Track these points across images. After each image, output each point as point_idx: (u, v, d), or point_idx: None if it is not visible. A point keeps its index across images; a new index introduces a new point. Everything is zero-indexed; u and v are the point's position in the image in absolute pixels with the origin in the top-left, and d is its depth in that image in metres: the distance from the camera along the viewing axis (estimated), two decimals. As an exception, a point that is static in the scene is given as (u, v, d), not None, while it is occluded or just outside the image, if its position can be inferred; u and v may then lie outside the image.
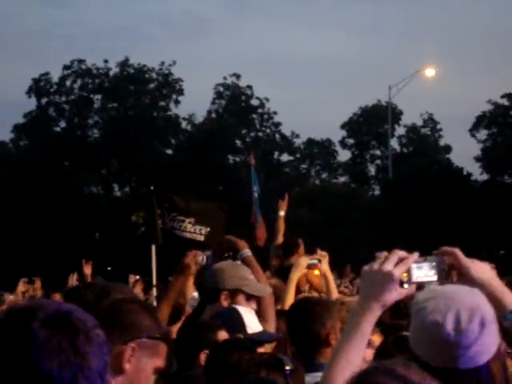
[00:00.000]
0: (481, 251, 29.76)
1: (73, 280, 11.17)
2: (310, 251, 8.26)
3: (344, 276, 16.15)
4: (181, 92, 50.08)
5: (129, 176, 49.02)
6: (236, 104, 50.30)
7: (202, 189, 39.54)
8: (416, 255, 2.50)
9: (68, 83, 49.83)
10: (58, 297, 10.30)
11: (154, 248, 9.84)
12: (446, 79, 67.91)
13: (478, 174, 47.15)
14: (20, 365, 1.66)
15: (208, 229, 9.52)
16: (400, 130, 52.49)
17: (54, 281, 14.10)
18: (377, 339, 4.28)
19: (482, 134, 47.70)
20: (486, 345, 2.30)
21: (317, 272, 7.15)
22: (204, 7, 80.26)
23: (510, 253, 38.00)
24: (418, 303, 2.39)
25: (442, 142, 52.18)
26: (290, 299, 6.52)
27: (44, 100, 49.66)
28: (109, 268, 32.82)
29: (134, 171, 47.82)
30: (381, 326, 4.31)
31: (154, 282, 9.46)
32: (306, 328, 4.29)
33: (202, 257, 5.83)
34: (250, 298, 4.86)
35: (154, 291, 10.10)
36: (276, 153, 51.22)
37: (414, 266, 2.48)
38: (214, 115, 50.77)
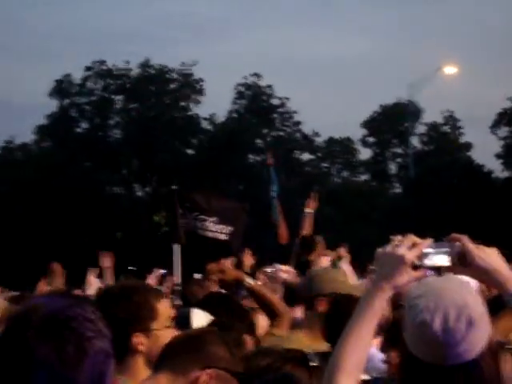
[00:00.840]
0: (503, 248, 29.64)
1: (90, 277, 11.08)
2: (332, 249, 8.29)
3: (365, 275, 16.12)
4: (201, 92, 50.19)
5: (150, 176, 49.17)
6: (257, 103, 50.35)
7: (222, 188, 39.61)
8: (430, 240, 2.56)
9: (89, 84, 50.10)
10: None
11: (176, 247, 9.85)
12: (467, 77, 67.54)
13: (499, 171, 47.03)
14: (10, 375, 1.67)
15: (230, 228, 9.56)
16: (421, 128, 52.45)
17: (75, 281, 14.19)
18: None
19: (503, 131, 47.57)
20: (474, 342, 2.37)
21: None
22: (225, 7, 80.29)
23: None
24: (409, 299, 2.47)
25: (462, 140, 51.99)
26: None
27: (66, 101, 49.93)
28: (130, 268, 32.92)
29: (154, 171, 47.97)
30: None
31: (179, 281, 9.49)
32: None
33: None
34: None
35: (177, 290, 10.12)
36: (297, 152, 51.23)
37: (427, 250, 2.54)
38: (234, 115, 50.85)
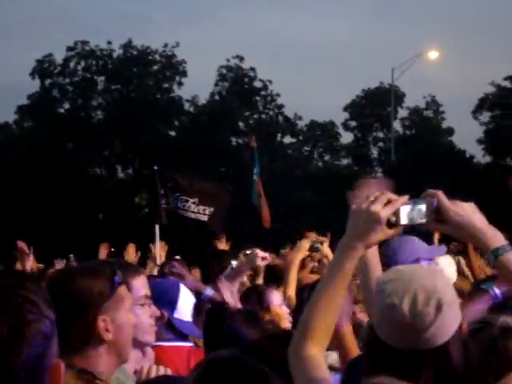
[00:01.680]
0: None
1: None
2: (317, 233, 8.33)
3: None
4: (184, 74, 50.03)
5: (132, 157, 49.07)
6: (239, 86, 50.25)
7: (204, 170, 39.59)
8: (405, 198, 2.46)
9: (72, 65, 49.80)
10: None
11: (157, 228, 9.86)
12: (449, 61, 67.79)
13: (480, 156, 47.22)
14: None
15: (212, 209, 9.59)
16: (403, 113, 52.52)
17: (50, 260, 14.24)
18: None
19: (485, 116, 47.68)
20: (444, 327, 2.28)
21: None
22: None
23: (511, 235, 38.03)
24: (378, 284, 2.37)
25: (444, 125, 52.11)
26: (292, 282, 6.56)
27: (48, 81, 49.61)
28: (112, 249, 32.89)
29: (137, 152, 47.85)
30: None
31: (158, 262, 9.52)
32: None
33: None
34: None
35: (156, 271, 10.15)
36: (279, 135, 51.23)
37: (403, 208, 2.44)
38: (217, 97, 50.74)
